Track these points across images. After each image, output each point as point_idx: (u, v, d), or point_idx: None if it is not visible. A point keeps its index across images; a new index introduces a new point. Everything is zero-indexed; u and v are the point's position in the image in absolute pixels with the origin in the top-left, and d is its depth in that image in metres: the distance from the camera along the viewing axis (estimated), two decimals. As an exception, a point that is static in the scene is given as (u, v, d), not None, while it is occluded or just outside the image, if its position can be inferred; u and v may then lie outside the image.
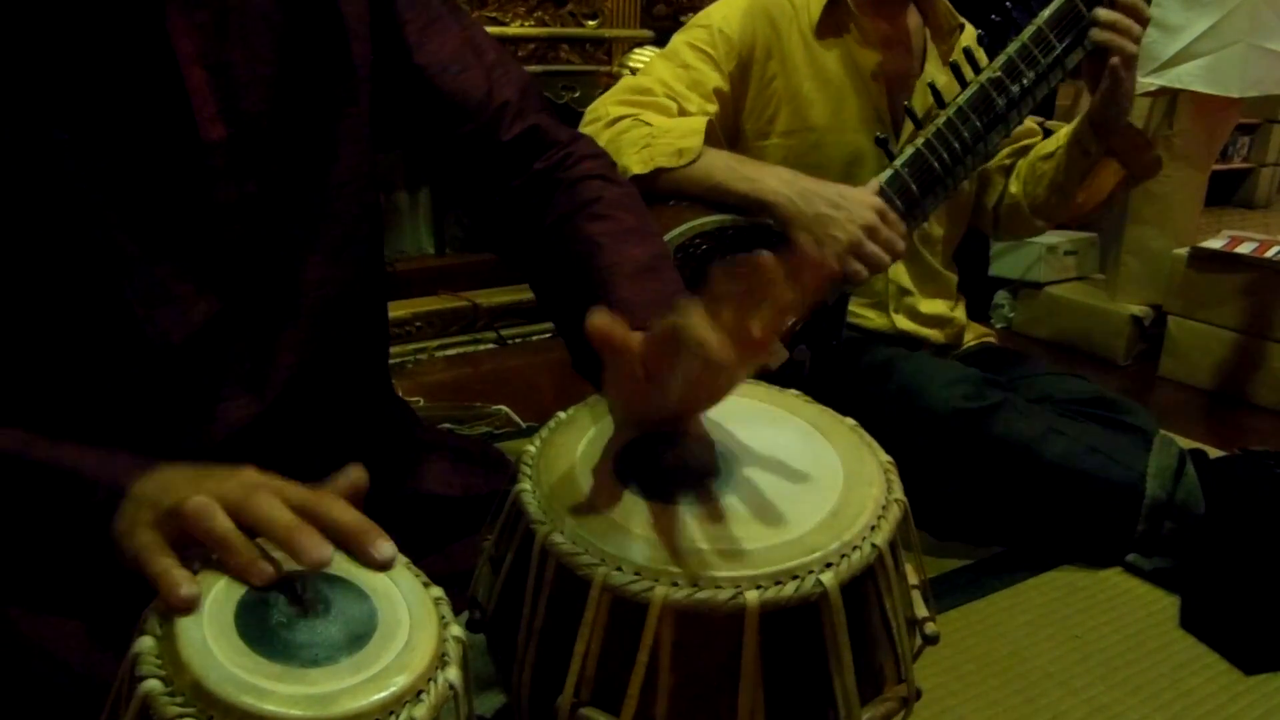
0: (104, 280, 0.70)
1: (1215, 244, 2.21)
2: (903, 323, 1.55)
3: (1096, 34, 1.28)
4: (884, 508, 0.64)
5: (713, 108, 1.36)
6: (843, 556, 0.60)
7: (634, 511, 0.63)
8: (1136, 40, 1.29)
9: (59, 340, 0.71)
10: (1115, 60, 1.28)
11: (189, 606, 0.51)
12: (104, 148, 0.68)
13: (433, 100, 0.85)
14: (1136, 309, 2.42)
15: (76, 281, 0.70)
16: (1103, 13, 1.28)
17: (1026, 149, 1.55)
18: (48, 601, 0.67)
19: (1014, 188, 1.56)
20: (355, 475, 0.60)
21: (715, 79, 1.37)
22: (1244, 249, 2.17)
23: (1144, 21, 1.29)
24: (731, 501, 0.64)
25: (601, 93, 1.44)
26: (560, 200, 0.86)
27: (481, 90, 0.86)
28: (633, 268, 0.80)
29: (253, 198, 0.75)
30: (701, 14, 1.45)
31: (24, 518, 0.64)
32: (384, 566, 0.56)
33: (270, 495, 0.55)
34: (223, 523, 0.54)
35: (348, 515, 0.56)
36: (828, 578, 0.58)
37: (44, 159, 0.66)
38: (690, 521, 0.62)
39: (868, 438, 0.72)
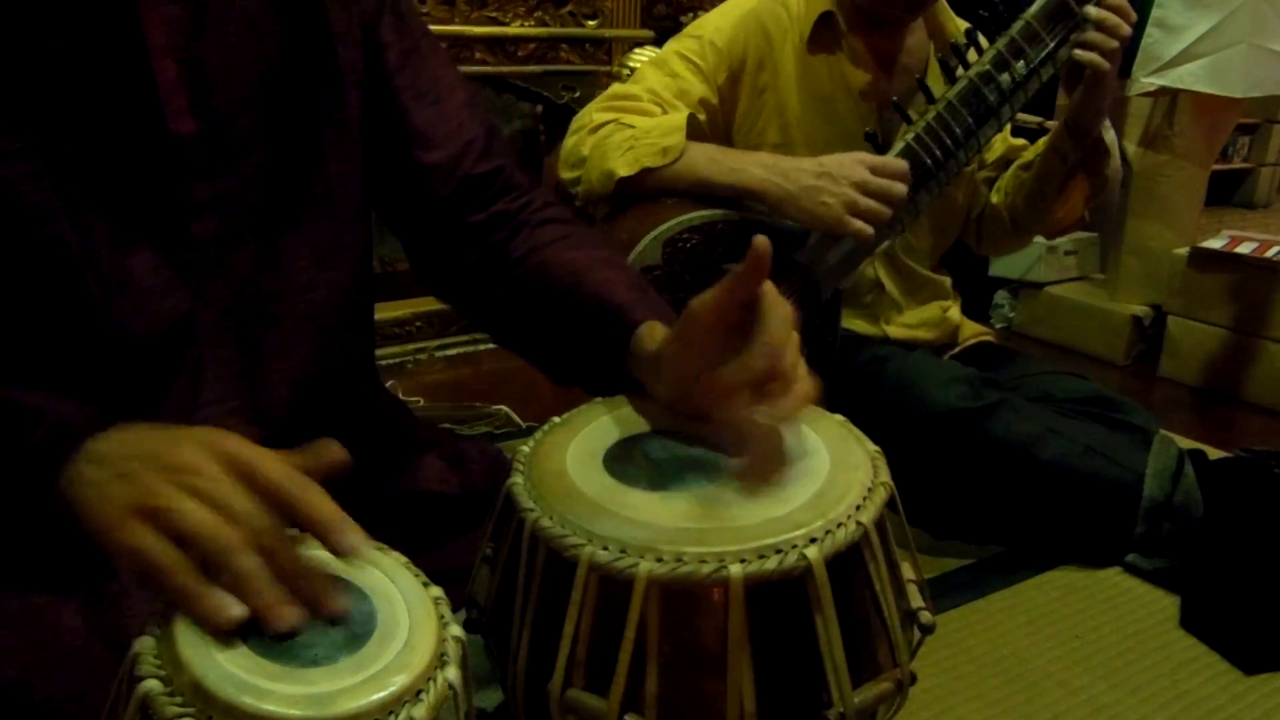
0: (67, 266, 0.69)
1: (1215, 244, 2.22)
2: (895, 331, 1.55)
3: (1086, 34, 1.27)
4: (870, 489, 0.65)
5: (702, 117, 1.37)
6: (827, 532, 0.61)
7: (622, 498, 0.64)
8: (1122, 41, 1.28)
9: (22, 322, 0.70)
10: (1094, 58, 1.27)
11: (235, 625, 0.50)
12: (74, 135, 0.68)
13: (400, 125, 0.85)
14: (1136, 309, 2.42)
15: (40, 265, 0.69)
16: (1092, 10, 1.27)
17: (1010, 162, 1.55)
18: (39, 574, 0.66)
19: (995, 199, 1.56)
20: (335, 455, 0.57)
21: (701, 90, 1.37)
22: (1244, 249, 2.17)
23: (1130, 22, 1.28)
24: (717, 488, 0.65)
25: (601, 93, 1.44)
26: (528, 236, 0.88)
27: (451, 124, 0.87)
28: (625, 282, 0.82)
29: (226, 196, 0.74)
30: (695, 23, 1.44)
31: None
32: (350, 554, 0.55)
33: (250, 549, 0.52)
34: (251, 565, 0.51)
35: (325, 508, 0.55)
36: (812, 552, 0.59)
37: (9, 143, 0.66)
38: (676, 506, 0.63)
39: (855, 430, 0.73)
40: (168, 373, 0.74)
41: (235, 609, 0.50)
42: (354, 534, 0.55)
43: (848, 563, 0.62)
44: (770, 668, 0.59)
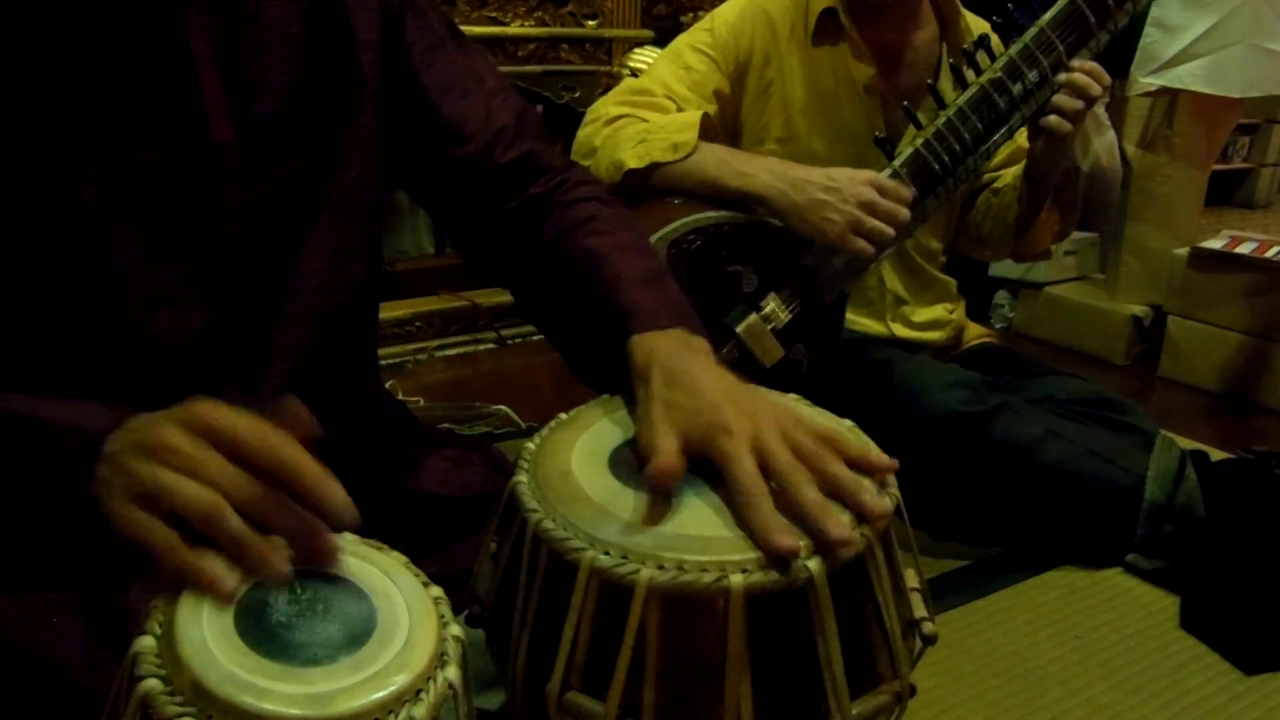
0: (105, 279, 0.70)
1: (1215, 244, 2.21)
2: (900, 330, 1.55)
3: (1055, 97, 1.27)
4: None
5: (713, 109, 1.37)
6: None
7: (626, 502, 0.64)
8: (1089, 104, 1.27)
9: (57, 336, 0.71)
10: (1054, 120, 1.27)
11: (233, 598, 0.51)
12: (115, 146, 0.69)
13: (432, 122, 0.86)
14: (1136, 309, 2.42)
15: (78, 279, 0.70)
16: (1063, 75, 1.27)
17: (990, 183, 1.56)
18: (40, 577, 0.66)
19: (966, 213, 1.57)
20: (296, 409, 0.57)
21: (716, 80, 1.38)
22: (1244, 249, 2.17)
23: (1104, 85, 1.28)
24: (723, 494, 0.64)
25: (602, 93, 1.45)
26: (556, 219, 0.88)
27: (480, 115, 0.88)
28: (638, 276, 0.81)
29: (258, 202, 0.75)
30: (706, 17, 1.45)
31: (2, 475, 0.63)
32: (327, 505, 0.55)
33: (232, 511, 0.52)
34: (236, 525, 0.52)
35: (303, 463, 0.54)
36: (814, 564, 0.59)
37: (53, 155, 0.67)
38: (680, 512, 0.63)
39: (864, 436, 0.72)
40: (188, 378, 0.74)
41: (229, 580, 0.51)
42: (333, 490, 0.54)
43: (851, 574, 0.61)
44: (769, 678, 0.59)
